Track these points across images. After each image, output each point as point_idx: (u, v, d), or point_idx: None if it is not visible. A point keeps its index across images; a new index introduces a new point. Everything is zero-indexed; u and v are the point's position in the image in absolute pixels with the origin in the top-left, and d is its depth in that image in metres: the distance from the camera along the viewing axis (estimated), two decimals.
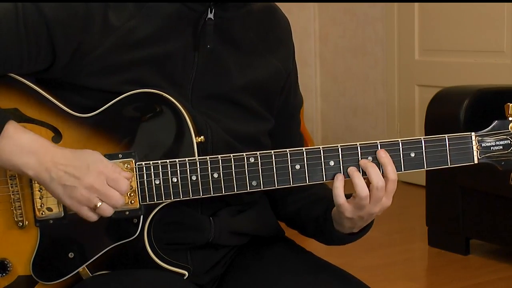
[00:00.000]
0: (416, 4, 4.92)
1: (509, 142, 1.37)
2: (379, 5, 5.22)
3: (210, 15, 1.41)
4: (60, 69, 1.38)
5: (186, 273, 1.40)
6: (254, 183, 1.36)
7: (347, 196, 1.36)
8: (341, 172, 1.36)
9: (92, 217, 1.31)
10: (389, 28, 5.17)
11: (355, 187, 1.34)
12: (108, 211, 1.31)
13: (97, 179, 1.29)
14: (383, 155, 1.34)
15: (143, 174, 1.35)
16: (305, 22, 5.65)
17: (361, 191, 1.33)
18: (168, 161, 1.35)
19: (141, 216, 1.36)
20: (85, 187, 1.29)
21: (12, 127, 1.30)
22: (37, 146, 1.30)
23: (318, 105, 5.76)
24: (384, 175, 1.34)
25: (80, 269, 1.38)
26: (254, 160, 1.36)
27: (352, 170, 1.35)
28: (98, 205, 1.30)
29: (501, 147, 1.37)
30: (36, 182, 1.35)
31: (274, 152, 1.36)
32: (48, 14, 1.34)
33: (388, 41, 5.19)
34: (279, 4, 1.59)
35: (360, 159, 1.36)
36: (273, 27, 1.54)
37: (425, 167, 1.36)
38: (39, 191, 1.36)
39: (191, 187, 1.35)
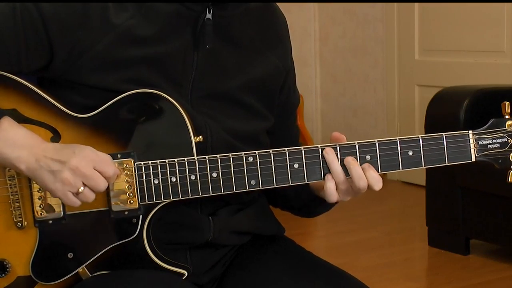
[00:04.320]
0: (416, 4, 4.92)
1: (506, 140, 1.37)
2: (379, 5, 5.22)
3: (209, 15, 1.42)
4: (59, 66, 1.38)
5: (186, 273, 1.40)
6: (253, 182, 1.36)
7: None
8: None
9: (76, 202, 1.31)
10: (389, 28, 5.17)
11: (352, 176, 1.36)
12: (90, 197, 1.31)
13: (82, 161, 1.29)
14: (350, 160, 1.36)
15: (142, 174, 1.35)
16: (305, 22, 5.65)
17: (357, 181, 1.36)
18: (167, 160, 1.35)
19: (140, 216, 1.36)
20: (70, 168, 1.29)
21: (6, 122, 1.32)
22: (30, 141, 1.31)
23: (318, 105, 5.76)
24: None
25: (79, 269, 1.38)
26: (253, 160, 1.36)
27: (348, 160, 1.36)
28: (80, 190, 1.30)
29: (498, 145, 1.37)
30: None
31: (272, 151, 1.36)
32: (45, 11, 1.35)
33: (388, 41, 5.19)
34: (279, 4, 1.60)
35: (358, 157, 1.36)
36: (271, 24, 1.54)
37: (423, 165, 1.37)
38: (38, 191, 1.36)
39: (190, 187, 1.36)
